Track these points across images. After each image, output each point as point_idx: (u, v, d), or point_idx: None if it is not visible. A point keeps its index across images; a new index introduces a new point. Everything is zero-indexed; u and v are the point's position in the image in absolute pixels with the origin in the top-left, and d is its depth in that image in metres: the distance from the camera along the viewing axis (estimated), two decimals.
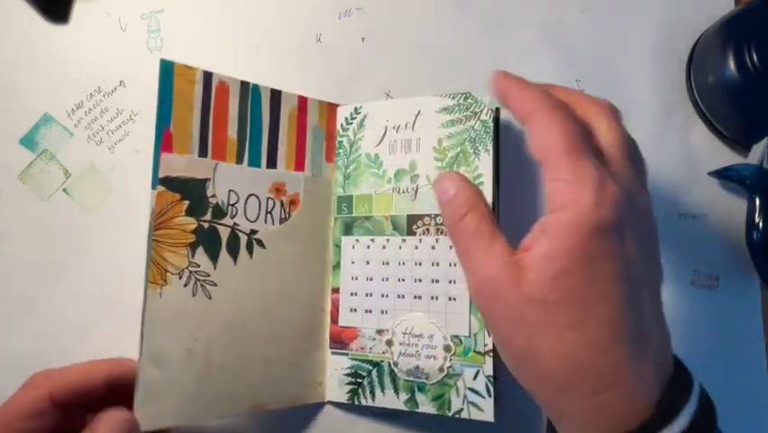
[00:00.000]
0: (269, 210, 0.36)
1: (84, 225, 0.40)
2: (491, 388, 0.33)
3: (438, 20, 0.42)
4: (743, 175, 0.37)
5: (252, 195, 0.36)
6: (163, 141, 0.33)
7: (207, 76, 0.35)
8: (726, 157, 0.40)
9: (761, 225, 0.37)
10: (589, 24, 0.42)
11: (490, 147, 0.35)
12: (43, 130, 0.41)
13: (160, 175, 0.32)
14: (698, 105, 0.40)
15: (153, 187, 0.32)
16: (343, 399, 0.37)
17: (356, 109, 0.39)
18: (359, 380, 0.36)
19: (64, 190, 0.40)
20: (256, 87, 0.36)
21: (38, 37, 0.42)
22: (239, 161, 0.35)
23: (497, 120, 0.36)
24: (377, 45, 0.42)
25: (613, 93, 0.41)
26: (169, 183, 0.33)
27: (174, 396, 0.32)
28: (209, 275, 0.34)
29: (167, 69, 0.33)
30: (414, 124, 0.37)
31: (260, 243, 0.36)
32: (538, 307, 0.24)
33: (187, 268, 0.33)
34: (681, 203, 0.40)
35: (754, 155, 0.37)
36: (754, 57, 0.35)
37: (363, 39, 0.42)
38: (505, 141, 0.39)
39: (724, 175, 0.38)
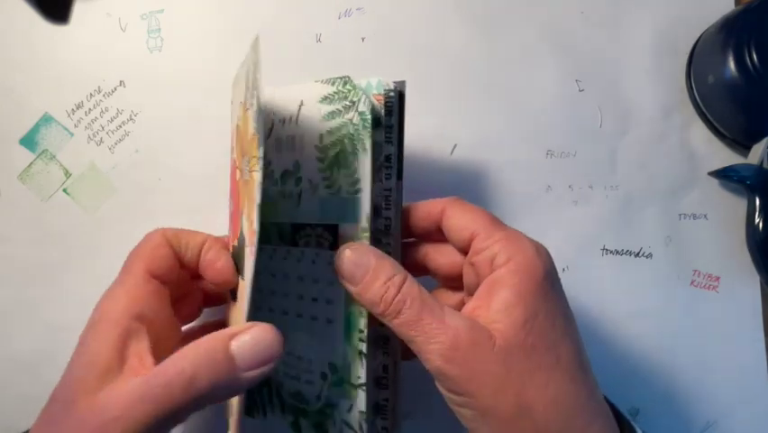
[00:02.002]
0: None
1: (84, 225, 0.40)
2: (364, 426, 0.29)
3: (438, 20, 0.42)
4: (743, 175, 0.37)
5: None
6: None
7: None
8: (726, 157, 0.40)
9: (761, 225, 0.37)
10: (589, 24, 0.42)
11: (368, 146, 0.28)
12: (43, 130, 0.41)
13: None
14: (698, 105, 0.40)
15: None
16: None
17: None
18: (253, 395, 0.33)
19: (64, 190, 0.40)
20: None
21: (38, 37, 0.42)
22: None
23: (400, 118, 0.30)
24: (377, 45, 0.42)
25: (613, 93, 0.41)
26: None
27: None
28: None
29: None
30: (297, 117, 0.31)
31: None
32: (519, 355, 0.24)
33: None
34: (681, 203, 0.40)
35: (754, 155, 0.37)
36: (754, 57, 0.35)
37: (363, 39, 0.42)
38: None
39: (724, 175, 0.38)
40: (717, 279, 0.39)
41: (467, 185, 0.40)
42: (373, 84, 0.29)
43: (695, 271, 0.39)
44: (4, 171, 0.40)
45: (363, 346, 0.28)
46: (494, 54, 0.42)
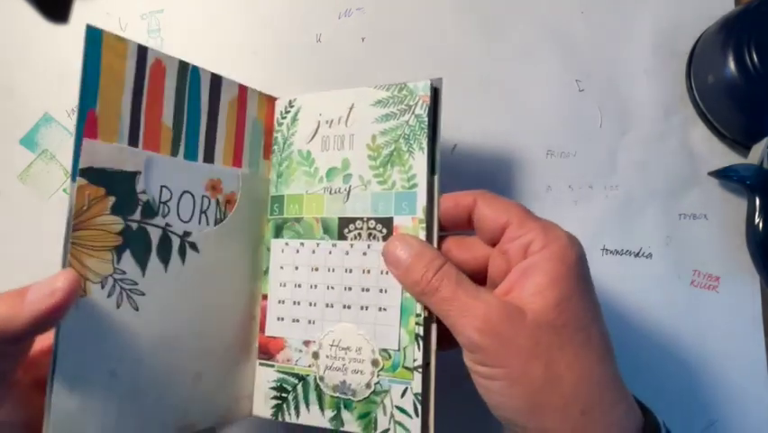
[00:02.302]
0: (203, 210, 0.32)
1: None
2: (419, 407, 0.30)
3: (438, 20, 0.42)
4: (743, 175, 0.37)
5: (186, 192, 0.31)
6: (86, 124, 0.27)
7: (142, 51, 0.29)
8: (726, 157, 0.40)
9: (761, 225, 0.37)
10: (589, 24, 0.42)
11: (425, 145, 0.32)
12: (43, 130, 0.41)
13: (81, 165, 0.26)
14: (698, 105, 0.40)
15: (73, 179, 0.26)
16: (268, 414, 0.33)
17: (290, 102, 0.36)
18: (284, 394, 0.33)
19: (64, 190, 0.40)
20: (195, 69, 0.32)
21: (38, 37, 0.42)
22: (174, 152, 0.30)
23: (434, 115, 0.32)
24: (377, 45, 0.42)
25: (613, 93, 0.41)
26: (92, 175, 0.27)
27: (93, 424, 0.26)
28: (137, 283, 0.28)
29: (94, 38, 0.27)
30: (347, 119, 0.34)
31: (193, 246, 0.31)
32: (550, 331, 0.25)
33: (111, 275, 0.27)
34: (681, 203, 0.40)
35: (754, 155, 0.37)
36: (754, 57, 0.35)
37: (363, 39, 0.42)
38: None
39: (724, 175, 0.38)
40: (717, 279, 0.39)
41: (467, 185, 0.40)
42: (420, 86, 0.32)
43: (695, 271, 0.39)
44: (4, 171, 0.40)
45: (420, 329, 0.30)
46: (494, 54, 0.42)
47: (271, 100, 0.36)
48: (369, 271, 0.32)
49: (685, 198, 0.40)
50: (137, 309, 0.28)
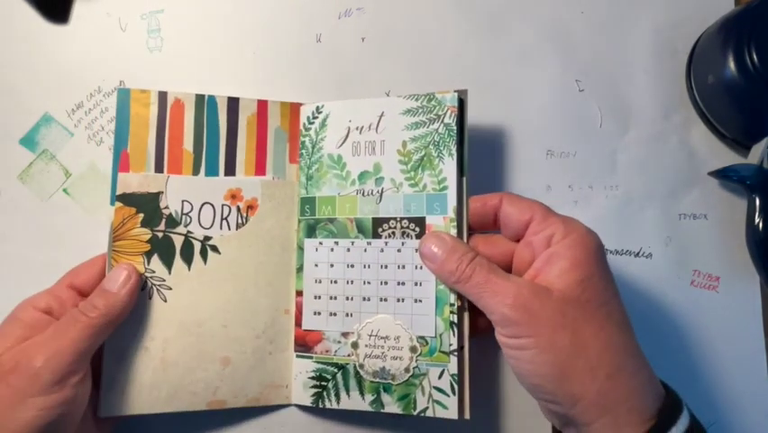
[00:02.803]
0: (224, 217, 0.37)
1: (84, 226, 0.40)
2: (455, 386, 0.34)
3: (438, 20, 0.42)
4: (743, 175, 0.37)
5: (207, 203, 0.37)
6: (121, 161, 0.36)
7: (162, 95, 0.37)
8: (726, 157, 0.40)
9: (761, 225, 0.37)
10: (589, 24, 0.42)
11: (454, 151, 0.35)
12: (43, 130, 0.41)
13: (117, 192, 0.36)
14: (698, 105, 0.40)
15: (112, 203, 0.36)
16: (308, 402, 0.36)
17: (318, 108, 0.38)
18: (323, 383, 0.36)
19: (64, 190, 0.40)
20: (212, 98, 0.38)
21: (38, 37, 0.42)
22: (195, 172, 0.37)
23: (461, 123, 0.35)
24: (377, 45, 0.42)
25: (613, 93, 0.41)
26: (125, 199, 0.36)
27: (132, 388, 0.35)
28: (164, 280, 0.36)
29: (123, 95, 0.36)
30: (378, 126, 0.37)
31: (214, 248, 0.37)
32: (575, 305, 0.28)
33: (143, 274, 0.35)
34: (681, 203, 0.40)
35: (754, 155, 0.37)
36: (754, 57, 0.35)
37: (363, 39, 0.42)
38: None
39: (724, 175, 0.38)
40: (717, 279, 0.39)
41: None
42: (448, 98, 0.35)
43: (695, 271, 0.39)
44: (4, 171, 0.40)
45: (454, 317, 0.34)
46: (494, 54, 0.42)
47: (295, 106, 0.39)
48: (404, 267, 0.35)
49: (685, 197, 0.40)
50: (165, 300, 0.36)
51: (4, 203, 0.40)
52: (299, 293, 0.37)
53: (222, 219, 0.37)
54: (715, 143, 0.40)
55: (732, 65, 0.36)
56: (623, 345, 0.29)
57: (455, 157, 0.35)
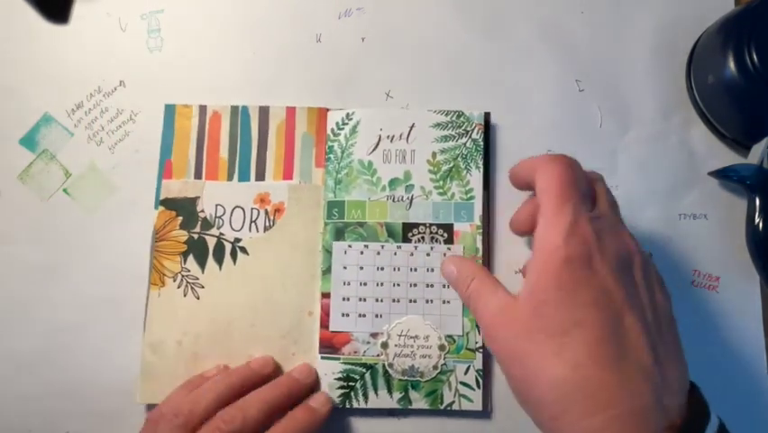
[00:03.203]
0: (253, 219, 0.39)
1: (84, 225, 0.40)
2: (480, 380, 0.36)
3: (438, 20, 0.42)
4: (743, 175, 0.37)
5: (238, 207, 0.39)
6: (165, 169, 0.39)
7: (203, 109, 0.40)
8: (726, 157, 0.40)
9: (761, 225, 0.37)
10: (589, 24, 0.42)
11: (481, 164, 0.38)
12: (43, 130, 0.41)
13: (161, 198, 0.39)
14: (698, 105, 0.40)
15: (155, 207, 0.39)
16: (335, 402, 0.36)
17: (348, 115, 0.39)
18: (351, 383, 0.37)
19: (64, 190, 0.40)
20: (245, 108, 0.40)
21: (38, 37, 0.42)
22: (229, 177, 0.40)
23: (486, 137, 0.39)
24: (377, 45, 0.42)
25: (613, 93, 0.41)
26: (167, 203, 0.39)
27: (166, 378, 0.37)
28: (198, 279, 0.38)
29: (170, 110, 0.40)
30: (408, 136, 0.39)
31: (243, 250, 0.39)
32: (526, 337, 0.27)
33: (179, 273, 0.38)
34: (681, 203, 0.40)
35: (754, 155, 0.37)
36: (754, 57, 0.35)
37: (363, 39, 0.42)
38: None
39: (724, 175, 0.38)
40: (717, 279, 0.39)
41: None
42: (475, 115, 0.39)
43: (695, 271, 0.39)
44: (4, 171, 0.40)
45: None
46: (494, 54, 0.42)
47: (322, 111, 0.40)
48: (432, 270, 0.37)
49: (685, 197, 0.40)
50: (198, 298, 0.38)
51: (4, 203, 0.40)
52: (325, 295, 0.38)
53: (251, 222, 0.39)
54: (715, 143, 0.40)
55: (732, 65, 0.36)
56: (572, 387, 0.25)
57: (482, 170, 0.38)
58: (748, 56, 0.35)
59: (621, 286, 0.27)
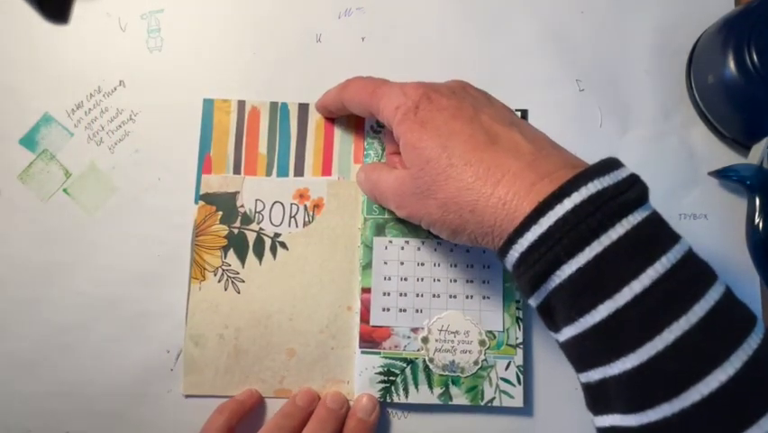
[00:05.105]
0: (292, 215, 0.40)
1: (84, 226, 0.40)
2: (521, 376, 0.37)
3: (438, 20, 0.42)
4: (743, 175, 0.37)
5: (277, 202, 0.40)
6: (204, 164, 0.40)
7: (241, 104, 0.41)
8: (726, 157, 0.40)
9: (761, 225, 0.37)
10: (589, 24, 0.42)
11: None
12: (43, 130, 0.41)
13: (201, 192, 0.40)
14: (698, 105, 0.40)
15: (195, 202, 0.40)
16: (375, 397, 0.37)
17: None
18: (392, 378, 0.37)
19: (64, 190, 0.40)
20: (284, 105, 0.41)
21: (38, 37, 0.42)
22: (268, 173, 0.40)
23: None
24: (377, 45, 0.42)
25: (613, 93, 0.41)
26: (207, 198, 0.40)
27: (209, 370, 0.38)
28: (238, 273, 0.39)
29: (208, 105, 0.41)
30: None
31: (282, 245, 0.39)
32: (423, 179, 0.30)
33: (220, 267, 0.39)
34: (681, 203, 0.40)
35: (754, 155, 0.37)
36: (754, 57, 0.35)
37: (363, 39, 0.42)
38: None
39: (724, 175, 0.38)
40: None
41: None
42: None
43: None
44: (4, 171, 0.40)
45: (520, 313, 0.37)
46: (494, 54, 0.42)
47: None
48: (472, 266, 0.38)
49: (685, 198, 0.40)
50: (239, 292, 0.39)
51: (4, 203, 0.40)
52: (365, 290, 0.38)
53: (290, 217, 0.40)
54: (715, 143, 0.40)
55: (732, 65, 0.36)
56: (473, 175, 0.28)
57: None
58: (748, 56, 0.35)
59: (463, 99, 0.31)
